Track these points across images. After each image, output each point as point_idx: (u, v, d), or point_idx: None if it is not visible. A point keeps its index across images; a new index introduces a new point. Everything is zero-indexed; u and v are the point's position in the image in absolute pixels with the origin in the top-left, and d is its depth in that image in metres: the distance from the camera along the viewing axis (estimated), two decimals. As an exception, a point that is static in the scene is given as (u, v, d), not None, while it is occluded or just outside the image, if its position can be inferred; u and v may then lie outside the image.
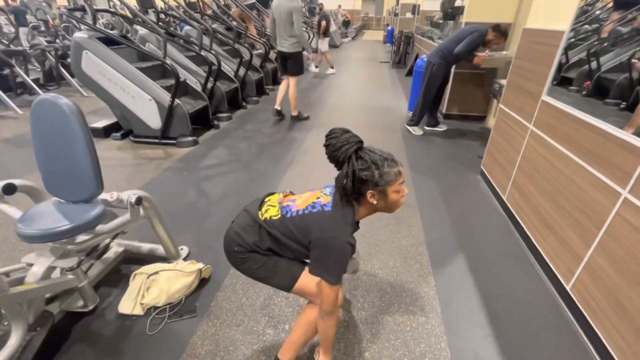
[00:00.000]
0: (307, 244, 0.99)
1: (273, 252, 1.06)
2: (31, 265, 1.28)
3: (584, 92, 1.82)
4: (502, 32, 3.01)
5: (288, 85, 4.02)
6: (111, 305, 1.47)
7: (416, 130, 3.67)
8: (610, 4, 1.74)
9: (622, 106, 1.57)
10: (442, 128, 3.76)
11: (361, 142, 0.97)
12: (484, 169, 2.64)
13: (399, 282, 1.63)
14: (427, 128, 3.76)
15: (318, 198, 1.03)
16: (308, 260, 1.04)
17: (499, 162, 2.37)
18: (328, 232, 0.95)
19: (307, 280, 1.06)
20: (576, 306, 1.42)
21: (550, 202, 1.69)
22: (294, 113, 4.19)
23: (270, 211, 1.06)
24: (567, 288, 1.49)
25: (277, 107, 4.19)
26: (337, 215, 0.98)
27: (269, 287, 1.57)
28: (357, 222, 1.06)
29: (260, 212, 1.06)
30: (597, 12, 1.92)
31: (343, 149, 0.94)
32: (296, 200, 1.07)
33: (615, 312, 1.21)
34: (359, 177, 0.93)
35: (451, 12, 3.96)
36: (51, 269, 1.30)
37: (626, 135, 1.25)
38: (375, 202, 0.98)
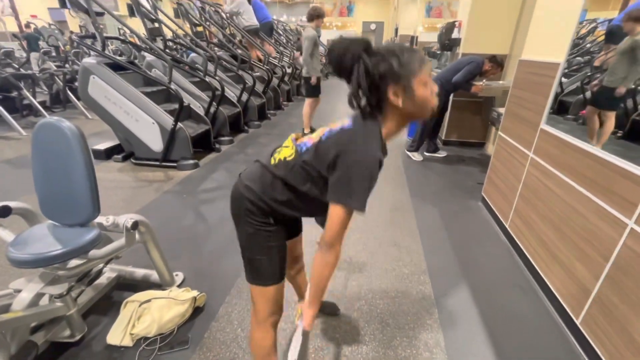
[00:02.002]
0: (325, 173, 0.84)
1: (286, 202, 0.92)
2: (19, 291, 1.23)
3: (580, 121, 1.85)
4: (498, 62, 3.12)
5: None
6: (99, 335, 1.40)
7: (416, 156, 3.69)
8: (601, 38, 1.81)
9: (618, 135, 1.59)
10: (441, 154, 3.79)
11: (369, 42, 0.80)
12: (484, 196, 2.63)
13: (401, 313, 1.57)
14: (426, 154, 3.79)
15: (336, 125, 0.89)
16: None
17: (500, 189, 2.36)
18: (351, 146, 0.79)
19: (276, 290, 0.99)
20: (587, 341, 1.35)
21: (555, 231, 1.66)
22: (306, 130, 4.42)
23: (284, 152, 0.92)
24: (577, 322, 1.43)
25: (307, 129, 4.49)
26: (360, 129, 0.83)
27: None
28: (385, 146, 0.89)
29: (272, 158, 0.94)
30: (588, 45, 2.00)
31: (351, 50, 0.78)
32: (312, 135, 0.92)
33: (628, 348, 1.15)
34: (375, 71, 0.77)
35: (448, 44, 4.11)
36: (39, 295, 1.25)
37: (629, 165, 1.24)
38: (400, 104, 0.80)
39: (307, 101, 4.29)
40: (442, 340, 1.42)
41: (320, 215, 0.94)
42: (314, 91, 4.22)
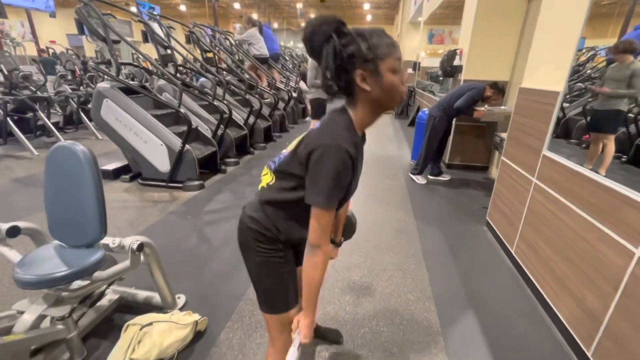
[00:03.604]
0: (303, 174, 0.83)
1: (290, 230, 0.92)
2: (22, 312, 1.24)
3: (583, 145, 1.87)
4: (499, 89, 3.19)
5: None
6: (99, 359, 1.38)
7: (420, 179, 3.70)
8: (602, 63, 1.86)
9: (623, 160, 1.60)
10: (445, 177, 3.80)
11: (342, 22, 0.78)
12: (489, 220, 2.61)
13: (406, 342, 1.53)
14: (430, 177, 3.80)
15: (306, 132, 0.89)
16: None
17: (505, 214, 2.34)
18: (318, 141, 0.78)
19: (279, 319, 0.98)
20: (600, 376, 1.30)
21: (561, 257, 1.64)
22: None
23: (265, 179, 0.94)
24: (588, 354, 1.38)
25: None
26: (326, 124, 0.83)
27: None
28: (364, 135, 0.90)
29: (260, 188, 0.96)
30: (589, 72, 2.05)
31: (321, 30, 0.76)
32: (288, 147, 0.93)
33: (645, 386, 1.11)
34: (342, 53, 0.76)
35: (450, 70, 4.22)
36: (42, 317, 1.25)
37: (632, 193, 1.24)
38: (368, 88, 0.79)
39: (313, 122, 4.40)
40: (449, 372, 1.38)
41: None
42: (319, 112, 4.32)
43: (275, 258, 0.94)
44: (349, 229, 1.27)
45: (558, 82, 1.81)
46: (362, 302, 1.78)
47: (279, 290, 0.97)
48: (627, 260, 1.22)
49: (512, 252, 2.16)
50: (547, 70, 2.01)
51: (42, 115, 4.80)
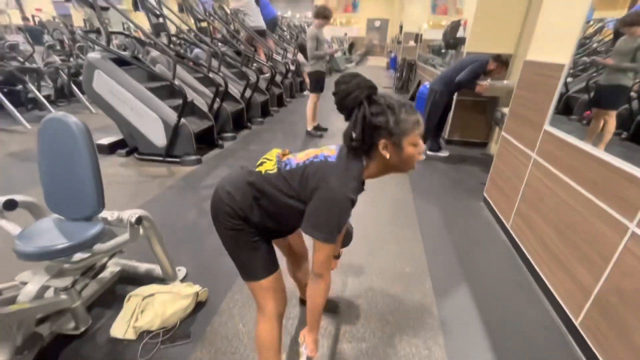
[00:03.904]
0: (305, 198, 0.89)
1: (265, 220, 0.96)
2: (25, 283, 1.26)
3: (584, 122, 1.84)
4: (503, 62, 3.10)
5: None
6: (103, 327, 1.42)
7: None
8: (609, 36, 1.80)
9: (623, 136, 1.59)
10: (444, 154, 3.78)
11: (374, 87, 0.85)
12: (486, 196, 2.63)
13: (401, 312, 1.58)
14: (429, 153, 3.78)
15: (322, 151, 0.94)
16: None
17: (502, 190, 2.35)
18: (328, 182, 0.84)
19: (271, 281, 1.01)
20: (585, 343, 1.36)
21: (556, 232, 1.66)
22: (308, 128, 4.48)
23: (266, 165, 0.96)
24: (576, 323, 1.44)
25: (314, 123, 4.53)
26: (341, 166, 0.88)
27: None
28: (363, 182, 0.95)
29: (256, 167, 0.98)
30: (595, 45, 1.98)
31: (354, 94, 0.83)
32: (297, 155, 0.98)
33: (627, 352, 1.16)
34: (371, 122, 0.82)
35: (453, 42, 4.08)
36: (45, 288, 1.27)
37: (631, 168, 1.24)
38: (388, 156, 0.86)
39: (311, 96, 4.31)
40: (442, 339, 1.44)
41: (297, 225, 0.97)
42: (318, 86, 4.22)
43: (244, 231, 0.96)
44: (346, 238, 1.37)
45: (564, 55, 1.75)
46: (359, 275, 1.82)
47: (253, 258, 0.99)
48: (621, 235, 1.24)
49: (508, 227, 2.19)
50: (553, 42, 1.94)
51: (33, 87, 4.67)
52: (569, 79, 1.85)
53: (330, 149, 0.95)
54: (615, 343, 1.22)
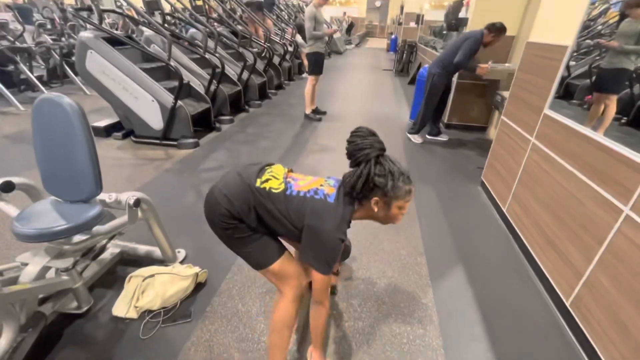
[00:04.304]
0: (300, 227, 0.97)
1: (261, 224, 1.02)
2: (26, 264, 1.27)
3: (585, 106, 1.83)
4: (498, 29, 2.95)
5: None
6: (105, 307, 1.45)
7: (416, 138, 3.67)
8: (614, 18, 1.75)
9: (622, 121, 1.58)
10: (443, 138, 3.77)
11: (384, 149, 0.96)
12: (484, 180, 2.64)
13: (397, 293, 1.62)
14: (428, 137, 3.77)
15: (322, 186, 1.02)
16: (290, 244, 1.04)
17: (500, 174, 2.36)
18: (324, 224, 0.94)
19: (279, 267, 1.05)
20: (575, 323, 1.40)
21: (551, 216, 1.68)
22: (307, 111, 4.42)
23: (272, 182, 1.01)
24: (567, 304, 1.48)
25: (312, 106, 4.48)
26: (338, 210, 0.97)
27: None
28: (350, 222, 1.04)
29: (259, 180, 1.01)
30: (599, 28, 1.94)
31: (366, 151, 0.93)
32: (298, 180, 1.04)
33: (615, 331, 1.20)
34: (372, 181, 0.93)
35: (455, 23, 4.00)
36: (46, 269, 1.28)
37: (629, 152, 1.24)
38: (376, 210, 0.98)
39: (310, 79, 4.23)
40: (436, 319, 1.48)
41: (290, 237, 1.06)
42: (317, 68, 4.14)
43: (239, 228, 1.01)
44: (344, 253, 1.46)
45: (567, 37, 1.72)
46: (356, 257, 1.85)
47: (255, 249, 1.04)
48: (615, 217, 1.25)
49: (505, 211, 2.22)
50: (557, 23, 1.90)
51: (24, 68, 4.55)
52: (572, 63, 1.82)
53: (330, 185, 1.03)
54: (604, 323, 1.26)
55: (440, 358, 1.30)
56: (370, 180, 0.93)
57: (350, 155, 0.96)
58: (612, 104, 1.63)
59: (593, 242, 1.36)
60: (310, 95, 4.30)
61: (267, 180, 1.01)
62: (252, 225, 1.01)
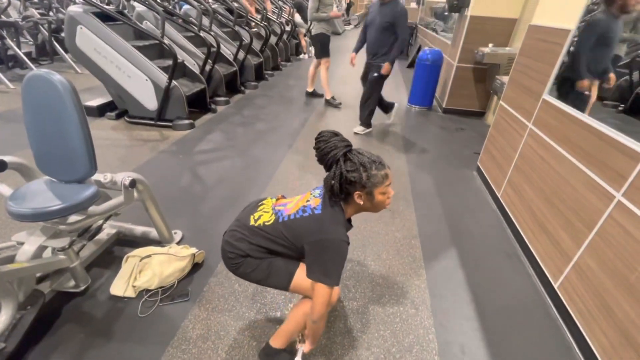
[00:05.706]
0: (300, 248, 1.01)
1: (268, 252, 1.06)
2: (22, 243, 1.27)
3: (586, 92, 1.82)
4: None
5: (316, 67, 4.31)
6: (103, 286, 1.47)
7: (363, 130, 3.37)
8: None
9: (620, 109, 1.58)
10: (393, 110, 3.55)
11: (349, 145, 0.99)
12: (480, 165, 2.65)
13: (391, 274, 1.65)
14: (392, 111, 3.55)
15: (308, 201, 1.05)
16: (303, 260, 1.05)
17: (496, 159, 2.37)
18: (321, 233, 0.97)
19: (303, 277, 1.05)
20: (562, 304, 1.45)
21: (544, 201, 1.71)
22: (327, 97, 4.30)
23: (264, 217, 1.07)
24: (555, 286, 1.52)
25: (309, 89, 4.47)
26: (328, 216, 1.00)
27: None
28: (349, 221, 1.09)
29: (252, 218, 1.07)
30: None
31: (332, 153, 0.96)
32: (287, 204, 1.09)
33: (601, 312, 1.24)
34: (347, 178, 0.95)
35: (457, 5, 3.88)
36: (42, 248, 1.29)
37: (624, 138, 1.25)
38: (362, 203, 1.00)
39: (322, 62, 4.11)
40: (428, 299, 1.52)
41: (297, 257, 1.10)
42: (325, 51, 4.04)
43: (251, 259, 1.05)
44: None
45: (570, 20, 1.69)
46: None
47: (271, 274, 1.07)
48: (606, 203, 1.27)
49: (499, 196, 2.24)
50: (560, 6, 1.86)
51: (11, 43, 4.40)
52: (572, 49, 1.80)
53: (315, 196, 1.06)
54: (589, 303, 1.30)
55: (431, 336, 1.35)
56: (344, 178, 0.95)
57: (320, 161, 1.01)
58: (594, 89, 1.64)
59: (583, 227, 1.39)
60: (326, 81, 4.19)
61: (259, 217, 1.07)
62: (256, 255, 1.05)
